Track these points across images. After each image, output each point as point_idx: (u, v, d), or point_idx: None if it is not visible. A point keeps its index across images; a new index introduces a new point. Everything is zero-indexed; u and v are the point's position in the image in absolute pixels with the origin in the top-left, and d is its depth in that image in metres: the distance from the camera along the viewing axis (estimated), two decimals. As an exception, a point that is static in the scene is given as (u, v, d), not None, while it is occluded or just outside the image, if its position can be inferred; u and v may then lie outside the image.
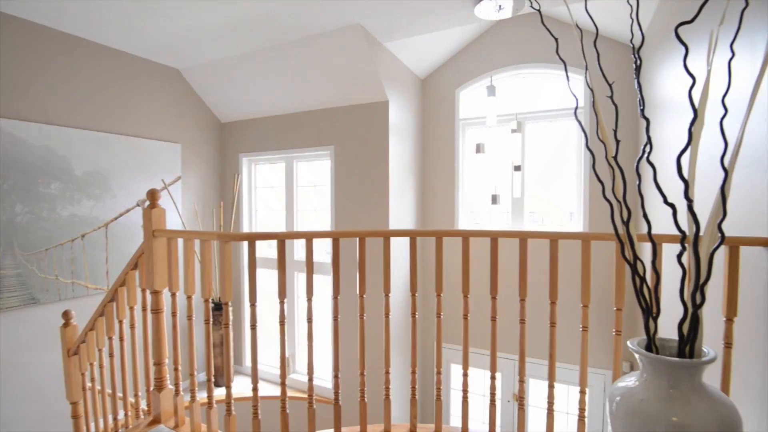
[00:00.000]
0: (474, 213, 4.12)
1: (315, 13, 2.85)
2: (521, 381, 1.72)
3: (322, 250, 4.11)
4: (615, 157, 0.88)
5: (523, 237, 1.69)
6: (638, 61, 0.89)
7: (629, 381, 0.92)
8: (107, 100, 3.38)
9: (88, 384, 2.36)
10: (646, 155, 0.85)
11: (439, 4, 2.76)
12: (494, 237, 1.74)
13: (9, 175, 2.79)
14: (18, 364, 2.84)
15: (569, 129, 3.62)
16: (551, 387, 1.70)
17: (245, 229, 4.46)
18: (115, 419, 2.30)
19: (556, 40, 1.03)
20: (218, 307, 4.09)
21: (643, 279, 0.87)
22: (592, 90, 0.92)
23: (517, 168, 3.40)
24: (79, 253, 3.20)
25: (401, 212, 3.73)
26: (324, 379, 3.94)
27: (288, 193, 4.23)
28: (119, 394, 2.75)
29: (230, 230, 4.40)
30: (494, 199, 3.18)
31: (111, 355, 2.22)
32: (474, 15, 2.92)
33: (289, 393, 3.88)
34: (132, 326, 2.14)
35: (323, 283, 3.99)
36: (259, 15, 2.86)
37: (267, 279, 4.30)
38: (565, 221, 3.69)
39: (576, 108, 0.98)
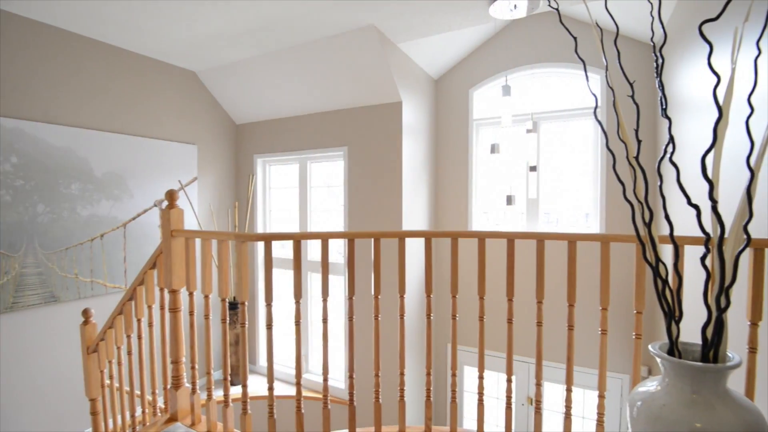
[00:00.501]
0: (488, 214, 4.09)
1: (328, 15, 2.86)
2: (538, 384, 1.70)
3: (334, 250, 4.12)
4: (636, 158, 0.86)
5: (541, 238, 1.67)
6: (660, 60, 0.88)
7: (650, 386, 0.90)
8: (126, 102, 3.44)
9: (107, 381, 2.40)
10: (669, 155, 0.83)
11: (453, 4, 2.75)
12: (511, 238, 1.72)
13: (32, 175, 2.86)
14: (39, 360, 2.91)
15: (585, 129, 3.58)
16: (569, 391, 1.68)
17: (259, 229, 4.50)
18: (132, 416, 2.33)
19: (575, 39, 1.01)
20: (232, 306, 4.13)
21: (665, 282, 0.85)
22: (612, 89, 0.91)
23: (533, 168, 3.36)
24: (98, 252, 3.26)
25: (414, 213, 3.72)
26: (336, 380, 3.95)
27: (302, 193, 4.25)
28: (137, 392, 2.80)
29: (245, 230, 4.44)
30: (509, 200, 3.16)
31: (129, 353, 2.25)
32: (488, 14, 2.90)
33: (303, 393, 3.90)
34: (150, 325, 2.17)
35: (335, 284, 4.00)
36: (274, 18, 2.88)
37: (278, 279, 4.33)
38: (581, 222, 3.64)
39: (596, 108, 0.97)
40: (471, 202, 4.02)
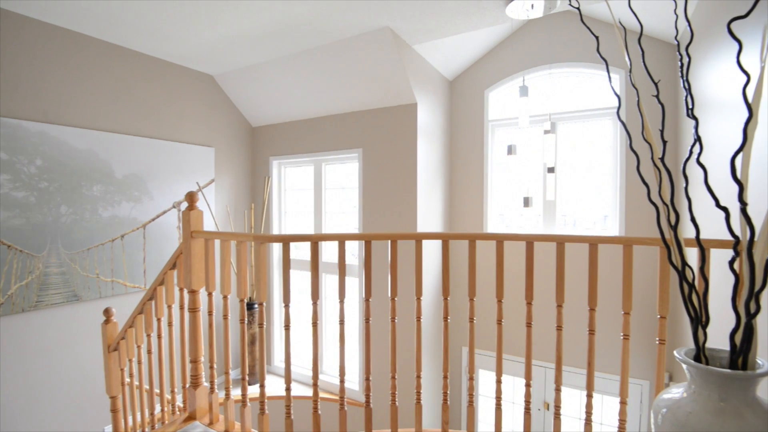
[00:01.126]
0: (503, 216, 4.06)
1: (344, 18, 2.87)
2: (557, 389, 1.67)
3: (348, 252, 4.13)
4: (662, 159, 0.85)
5: (561, 241, 1.64)
6: (686, 59, 0.86)
7: (676, 393, 0.88)
8: (146, 105, 3.51)
9: (127, 379, 2.44)
10: (696, 156, 0.82)
11: (469, 5, 2.74)
12: (530, 241, 1.70)
13: (55, 178, 2.93)
14: (61, 357, 2.97)
15: (604, 129, 3.52)
16: (590, 396, 1.65)
17: (275, 230, 4.54)
18: (151, 414, 2.37)
19: (597, 38, 1.00)
20: (248, 306, 4.17)
21: (692, 286, 0.84)
22: (636, 89, 0.89)
23: (551, 170, 3.32)
24: (119, 252, 3.32)
25: (429, 215, 3.71)
26: (351, 381, 3.96)
27: (316, 195, 4.27)
28: (156, 390, 2.84)
29: (260, 232, 4.48)
30: (526, 202, 3.13)
31: (149, 352, 2.29)
32: (505, 15, 2.88)
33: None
34: (170, 324, 2.20)
35: (349, 286, 4.00)
36: (290, 21, 2.91)
37: (291, 280, 4.35)
38: (599, 224, 3.59)
39: (618, 108, 0.95)
40: (486, 204, 3.99)
